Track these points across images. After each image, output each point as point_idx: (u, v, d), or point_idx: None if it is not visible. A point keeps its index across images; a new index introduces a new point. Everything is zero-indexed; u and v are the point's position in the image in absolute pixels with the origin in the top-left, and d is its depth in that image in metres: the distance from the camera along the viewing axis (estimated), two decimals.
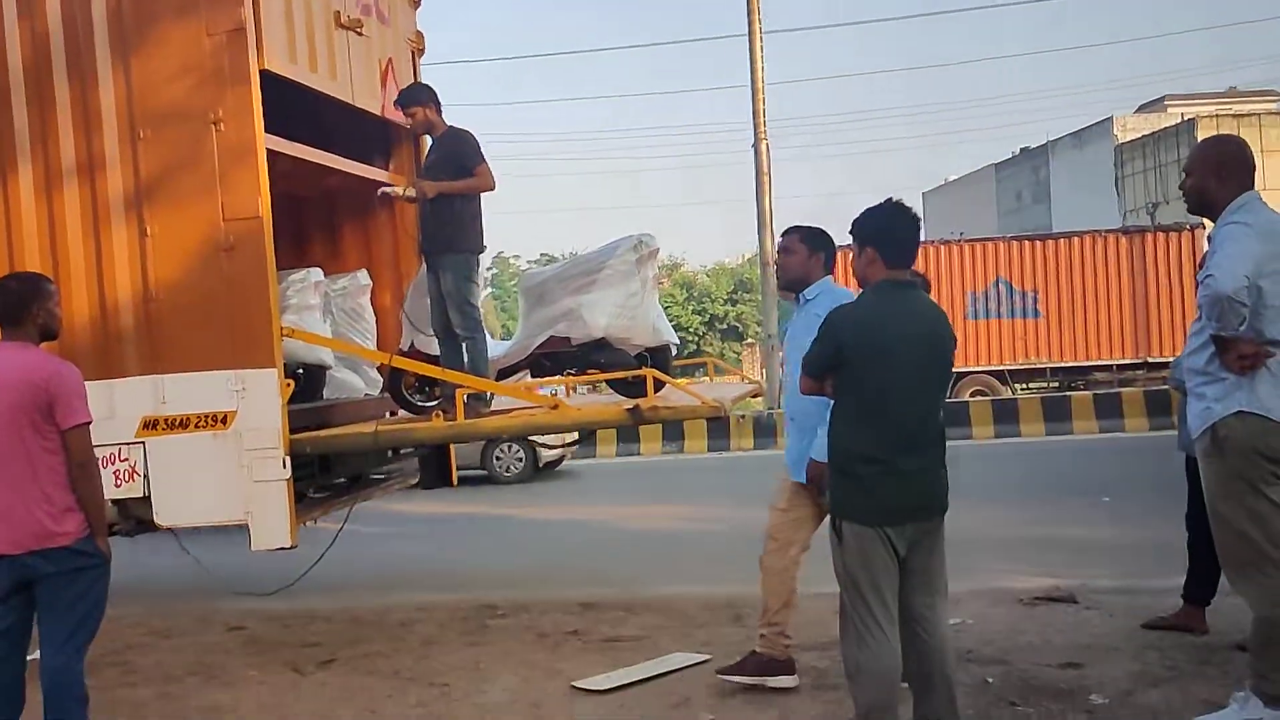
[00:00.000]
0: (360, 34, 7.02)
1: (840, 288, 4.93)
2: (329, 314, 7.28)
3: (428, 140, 7.10)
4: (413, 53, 7.95)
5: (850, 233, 3.95)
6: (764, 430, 16.68)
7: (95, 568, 4.05)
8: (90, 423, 4.07)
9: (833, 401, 3.88)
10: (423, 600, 7.05)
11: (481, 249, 6.59)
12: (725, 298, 38.69)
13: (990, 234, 25.60)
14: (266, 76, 5.91)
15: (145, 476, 5.85)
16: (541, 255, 58.01)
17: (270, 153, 5.95)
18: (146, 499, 5.86)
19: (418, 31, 8.01)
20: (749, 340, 34.27)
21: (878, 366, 3.72)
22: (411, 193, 6.71)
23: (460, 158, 6.33)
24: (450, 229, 6.31)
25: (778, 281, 4.92)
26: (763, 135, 16.04)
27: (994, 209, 46.77)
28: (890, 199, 3.97)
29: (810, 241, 4.80)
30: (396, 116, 7.43)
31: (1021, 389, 21.73)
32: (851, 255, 3.98)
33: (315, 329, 6.90)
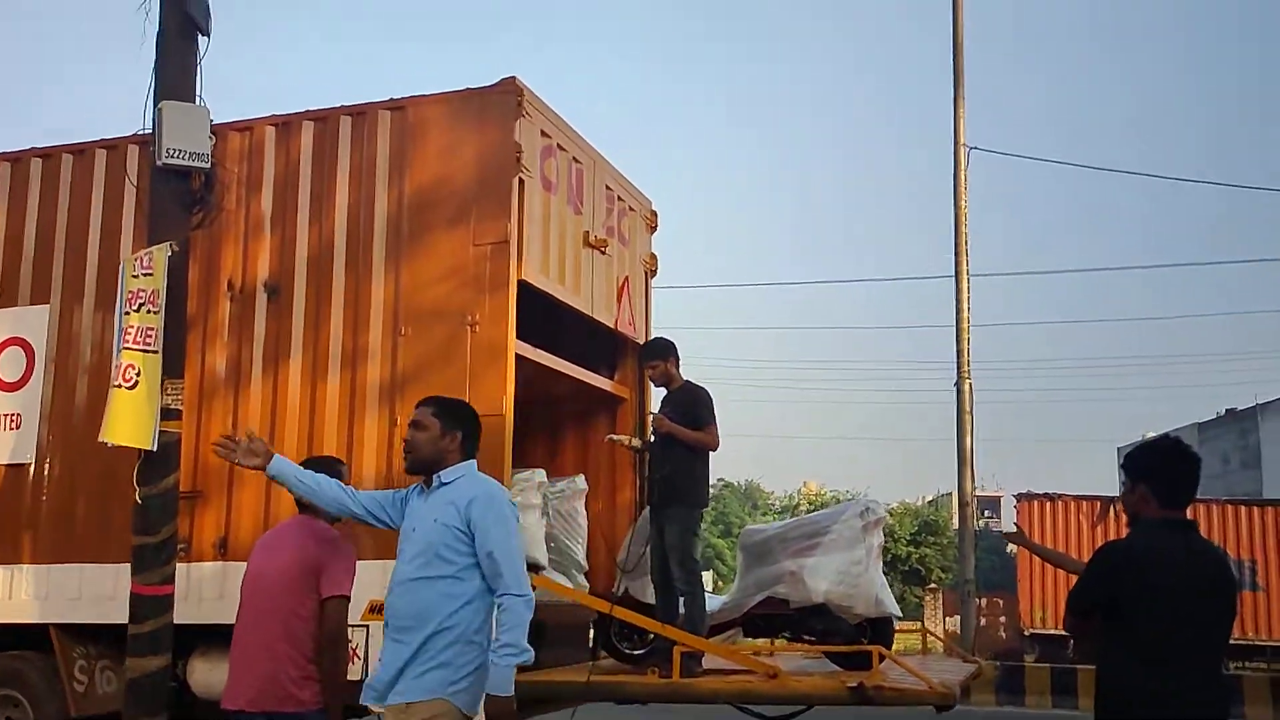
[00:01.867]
0: (603, 253, 7.45)
1: (486, 476, 4.23)
2: (546, 515, 7.42)
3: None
4: (646, 273, 8.35)
5: (1123, 467, 3.84)
6: None
7: None
8: (348, 599, 4.21)
9: (1105, 645, 3.65)
10: None
11: (706, 504, 6.72)
12: (908, 538, 37.55)
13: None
14: (521, 286, 6.31)
15: (364, 659, 5.96)
16: (718, 480, 58.13)
17: (515, 357, 6.27)
18: (361, 682, 5.93)
19: (652, 254, 8.44)
20: (931, 584, 32.91)
21: (1153, 610, 3.51)
22: (637, 443, 7.21)
23: (694, 411, 6.53)
24: (679, 482, 6.47)
25: (405, 461, 4.16)
26: (966, 374, 15.94)
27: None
28: (1168, 435, 3.85)
29: (445, 416, 4.13)
30: (628, 330, 7.79)
31: (1236, 666, 19.93)
32: (1123, 490, 3.84)
33: (534, 528, 7.04)
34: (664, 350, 6.80)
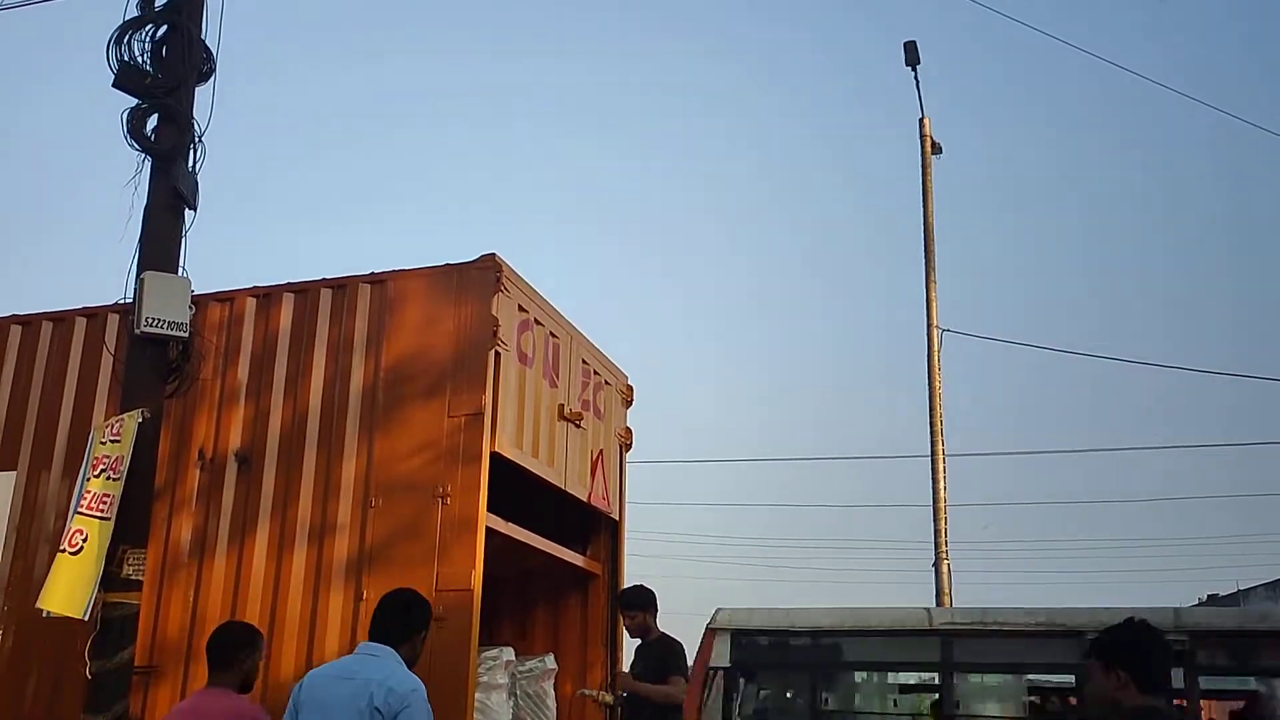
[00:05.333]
0: (578, 426, 7.47)
1: None
2: (513, 695, 7.19)
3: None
4: (620, 447, 8.35)
5: (1093, 653, 3.72)
6: None
7: None
8: None
9: None
10: None
11: None
12: None
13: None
14: (494, 458, 6.29)
15: None
16: None
17: (486, 530, 6.19)
18: None
19: (627, 428, 8.46)
20: None
21: None
22: (609, 698, 7.05)
23: (665, 666, 6.42)
24: None
25: None
26: (944, 555, 15.73)
27: None
28: (1133, 618, 3.76)
29: None
30: (601, 504, 7.73)
31: None
32: (1095, 676, 3.72)
33: (500, 709, 6.82)
34: (645, 601, 6.69)
